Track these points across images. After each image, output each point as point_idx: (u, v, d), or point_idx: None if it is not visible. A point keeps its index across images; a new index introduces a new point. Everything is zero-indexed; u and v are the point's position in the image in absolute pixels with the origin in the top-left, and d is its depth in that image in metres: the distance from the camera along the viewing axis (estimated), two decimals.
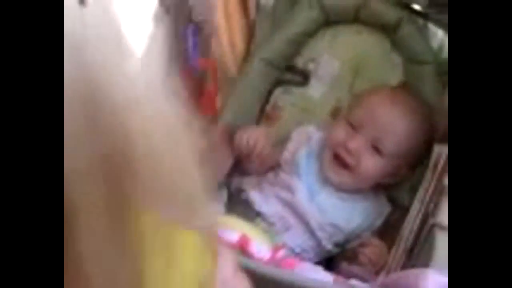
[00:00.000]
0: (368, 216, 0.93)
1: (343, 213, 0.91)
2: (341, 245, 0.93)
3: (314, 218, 0.90)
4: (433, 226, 0.72)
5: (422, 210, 0.78)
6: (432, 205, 0.76)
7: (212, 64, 0.95)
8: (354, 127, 0.90)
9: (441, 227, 0.71)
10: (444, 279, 0.62)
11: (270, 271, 0.64)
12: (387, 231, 0.95)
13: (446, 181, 0.75)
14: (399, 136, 0.89)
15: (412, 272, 0.65)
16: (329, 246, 0.91)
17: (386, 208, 0.95)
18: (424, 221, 0.76)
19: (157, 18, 0.83)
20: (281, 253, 0.75)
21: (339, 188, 0.91)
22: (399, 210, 0.95)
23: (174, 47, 0.85)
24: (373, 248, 0.89)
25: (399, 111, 0.90)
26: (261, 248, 0.72)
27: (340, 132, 0.90)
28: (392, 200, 0.97)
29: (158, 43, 0.84)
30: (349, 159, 0.89)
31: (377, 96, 0.93)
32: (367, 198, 0.94)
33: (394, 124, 0.89)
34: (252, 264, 0.62)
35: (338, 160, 0.90)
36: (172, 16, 0.82)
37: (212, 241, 0.42)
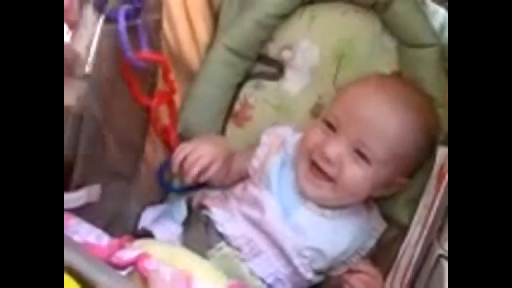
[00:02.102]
0: (358, 237, 0.76)
1: (326, 234, 0.74)
2: (324, 273, 0.76)
3: (290, 241, 0.73)
4: (440, 257, 0.55)
5: (425, 233, 0.61)
6: (437, 226, 0.59)
7: (160, 59, 0.78)
8: (333, 128, 0.72)
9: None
10: None
11: None
12: (382, 254, 0.79)
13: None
14: (389, 138, 0.71)
15: None
16: (309, 275, 0.74)
17: (380, 226, 0.79)
18: (428, 247, 0.59)
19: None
20: None
21: (321, 204, 0.74)
22: (396, 228, 0.78)
23: (105, 35, 0.68)
24: (364, 277, 0.72)
25: (388, 105, 0.72)
26: None
27: (316, 135, 0.73)
28: (386, 216, 0.79)
29: (84, 32, 0.69)
30: (328, 169, 0.71)
31: (360, 87, 0.75)
32: (357, 214, 0.77)
33: (382, 122, 0.71)
34: None
35: (316, 169, 0.72)
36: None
37: None
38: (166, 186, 0.89)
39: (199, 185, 0.85)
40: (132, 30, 0.72)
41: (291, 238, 0.73)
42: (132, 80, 0.74)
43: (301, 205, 0.74)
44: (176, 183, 0.90)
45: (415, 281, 0.60)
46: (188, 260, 0.62)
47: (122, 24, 0.65)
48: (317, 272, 0.75)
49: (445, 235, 0.56)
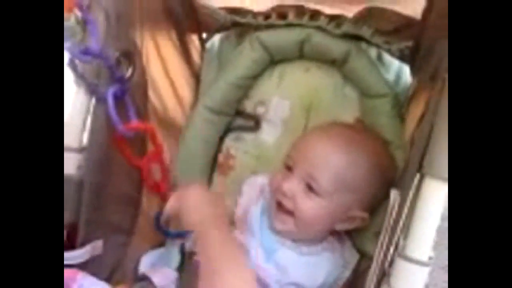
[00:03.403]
0: (334, 269, 0.85)
1: (306, 270, 0.82)
2: None
3: (274, 278, 0.81)
4: None
5: (377, 269, 0.70)
6: (387, 263, 0.68)
7: (147, 127, 0.89)
8: (290, 169, 0.82)
9: None
10: None
11: None
12: (358, 283, 0.87)
13: (399, 236, 0.67)
14: (332, 171, 0.79)
15: None
16: None
17: (354, 258, 0.87)
18: (379, 282, 0.68)
19: (76, 85, 0.78)
20: None
21: (294, 240, 0.83)
22: (367, 260, 0.87)
23: (98, 113, 0.79)
24: None
25: (332, 144, 0.81)
26: None
27: (278, 177, 0.83)
28: (358, 249, 0.88)
29: (79, 111, 0.79)
30: (285, 202, 0.81)
31: (311, 133, 0.86)
32: (331, 248, 0.85)
33: (325, 157, 0.80)
34: None
35: (280, 207, 0.82)
36: (90, 82, 0.76)
37: None
38: (164, 231, 0.99)
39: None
40: (120, 104, 0.83)
41: (275, 276, 0.81)
42: (124, 147, 0.85)
43: (281, 246, 0.83)
44: (172, 229, 1.00)
45: None
46: None
47: (110, 103, 0.76)
48: None
49: (391, 270, 0.64)
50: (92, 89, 0.77)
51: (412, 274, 0.61)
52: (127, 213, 0.93)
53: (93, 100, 0.80)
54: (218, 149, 0.98)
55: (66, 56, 0.71)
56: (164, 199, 0.97)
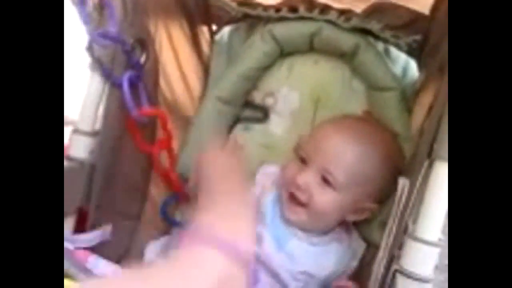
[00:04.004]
0: (343, 258, 0.86)
1: (316, 259, 0.84)
2: None
3: (285, 268, 0.82)
4: (396, 271, 0.65)
5: (386, 252, 0.71)
6: (397, 246, 0.69)
7: (159, 113, 0.90)
8: (304, 161, 0.83)
9: (403, 273, 0.64)
10: None
11: None
12: (365, 272, 0.88)
13: (408, 220, 0.69)
14: (348, 165, 0.81)
15: None
16: None
17: (361, 247, 0.88)
18: (389, 264, 0.70)
19: (91, 70, 0.79)
20: None
21: (305, 230, 0.84)
22: (373, 249, 0.88)
23: (112, 98, 0.80)
24: None
25: (346, 138, 0.82)
26: None
27: (291, 169, 0.84)
28: (364, 239, 0.89)
29: (94, 95, 0.80)
30: (300, 196, 0.82)
31: (325, 125, 0.87)
32: (339, 239, 0.87)
33: (341, 151, 0.81)
34: None
35: (292, 198, 0.83)
36: (105, 67, 0.77)
37: None
38: (169, 220, 1.00)
39: None
40: (133, 89, 0.84)
41: (285, 265, 0.82)
42: (135, 132, 0.86)
43: (293, 236, 0.84)
44: (178, 217, 1.01)
45: None
46: None
47: (126, 88, 0.77)
48: None
49: (402, 252, 0.66)
50: (107, 74, 0.78)
51: (423, 254, 0.63)
52: (135, 200, 0.94)
53: (107, 85, 0.81)
54: (226, 139, 0.99)
55: (85, 40, 0.72)
56: (170, 186, 0.98)
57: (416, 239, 0.64)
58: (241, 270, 0.57)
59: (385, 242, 0.75)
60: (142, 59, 0.83)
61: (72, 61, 0.78)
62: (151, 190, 0.97)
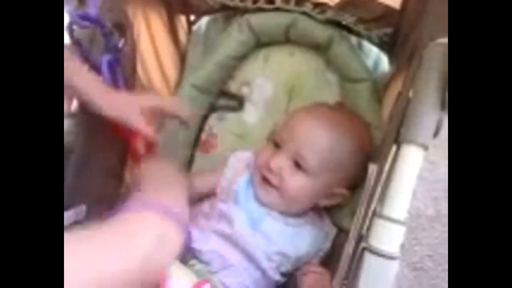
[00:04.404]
0: (316, 240, 0.89)
1: (290, 239, 0.86)
2: (288, 274, 0.88)
3: (261, 248, 0.84)
4: (364, 249, 0.68)
5: (355, 233, 0.74)
6: (365, 228, 0.72)
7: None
8: (278, 146, 0.86)
9: (370, 250, 0.66)
10: None
11: None
12: (336, 257, 0.91)
13: (376, 203, 0.71)
14: (320, 150, 0.83)
15: None
16: (276, 276, 0.85)
17: (332, 231, 0.91)
18: (357, 244, 0.72)
19: (69, 52, 0.80)
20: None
21: (280, 212, 0.86)
22: (344, 235, 0.91)
23: None
24: (313, 275, 0.84)
25: (320, 124, 0.85)
26: (180, 285, 0.66)
27: (265, 153, 0.86)
28: (336, 224, 0.92)
29: None
30: (272, 179, 0.84)
31: (299, 111, 0.89)
32: (313, 222, 0.89)
33: (314, 137, 0.84)
34: None
35: (265, 181, 0.85)
36: (84, 49, 0.78)
37: None
38: None
39: None
40: (111, 73, 0.85)
41: (261, 245, 0.83)
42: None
43: (267, 216, 0.85)
44: None
45: (348, 274, 0.72)
46: None
47: (105, 71, 0.78)
48: (283, 274, 0.86)
49: (370, 232, 0.68)
50: (85, 56, 0.79)
51: (390, 232, 0.65)
52: (110, 185, 0.95)
53: (85, 68, 0.82)
54: (201, 128, 1.01)
55: (66, 20, 0.73)
56: None
57: (383, 217, 0.66)
58: (177, 230, 0.65)
59: (354, 225, 0.77)
60: (120, 44, 0.84)
61: None
62: (126, 176, 0.98)
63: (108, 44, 0.80)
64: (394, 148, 0.72)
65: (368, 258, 0.66)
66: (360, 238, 0.72)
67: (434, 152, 1.33)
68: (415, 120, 0.68)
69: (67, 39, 0.77)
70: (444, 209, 1.31)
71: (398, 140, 0.70)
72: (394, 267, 0.65)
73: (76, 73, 0.73)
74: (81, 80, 0.73)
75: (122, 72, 0.86)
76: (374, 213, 0.70)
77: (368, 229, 0.70)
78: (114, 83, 0.85)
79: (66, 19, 0.73)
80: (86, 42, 0.79)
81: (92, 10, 0.74)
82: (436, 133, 0.71)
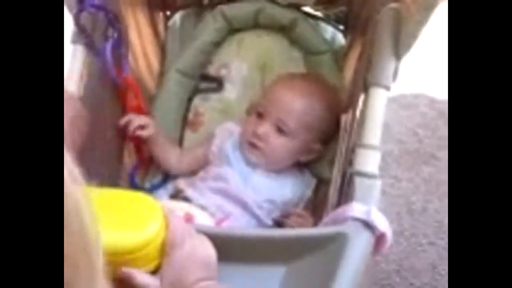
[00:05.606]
0: (298, 187, 1.03)
1: (276, 189, 1.01)
2: (279, 224, 1.01)
3: (251, 198, 0.98)
4: (351, 175, 0.82)
5: (340, 167, 0.89)
6: (348, 160, 0.87)
7: (131, 82, 1.02)
8: (261, 116, 1.00)
9: (358, 174, 0.81)
10: (365, 208, 0.72)
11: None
12: (318, 206, 1.05)
13: (355, 137, 0.86)
14: (298, 114, 0.99)
15: (341, 208, 0.75)
16: (269, 222, 0.99)
17: (312, 181, 1.05)
18: (343, 176, 0.86)
19: (74, 38, 0.90)
20: (225, 224, 0.82)
21: (266, 168, 1.00)
22: (325, 185, 1.05)
23: (94, 65, 0.91)
24: (297, 218, 0.98)
25: (296, 93, 1.00)
26: (204, 222, 0.78)
27: (250, 123, 1.01)
28: (316, 176, 1.06)
29: (78, 62, 0.91)
30: (259, 143, 0.99)
31: (277, 82, 1.05)
32: (294, 174, 1.04)
33: (291, 104, 0.99)
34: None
35: (253, 146, 1.00)
36: (89, 33, 0.89)
37: None
38: (138, 188, 1.09)
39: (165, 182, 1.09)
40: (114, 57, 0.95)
41: (252, 196, 0.98)
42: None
43: (254, 172, 1.00)
44: (147, 184, 1.11)
45: (340, 200, 0.86)
46: (184, 206, 0.86)
47: (108, 56, 0.89)
48: (274, 221, 1.00)
49: (354, 161, 0.83)
50: (89, 42, 0.90)
51: (370, 156, 0.81)
52: (111, 165, 1.04)
53: (90, 53, 0.92)
54: (187, 109, 1.13)
55: (73, 8, 0.83)
56: (140, 155, 1.09)
57: (363, 145, 0.81)
58: None
59: (338, 161, 0.92)
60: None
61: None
62: (125, 159, 1.08)
63: (114, 28, 0.91)
64: (362, 96, 0.88)
65: (357, 180, 0.80)
66: (345, 172, 0.86)
67: (395, 167, 1.48)
68: (377, 68, 0.85)
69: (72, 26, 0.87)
70: (406, 223, 1.37)
71: (365, 86, 0.86)
72: (378, 184, 0.80)
73: None
74: None
75: (124, 56, 0.97)
76: (354, 146, 0.85)
77: (352, 159, 0.85)
78: (118, 67, 0.95)
79: (75, 8, 0.83)
80: (90, 29, 0.89)
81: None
82: (394, 78, 0.88)
